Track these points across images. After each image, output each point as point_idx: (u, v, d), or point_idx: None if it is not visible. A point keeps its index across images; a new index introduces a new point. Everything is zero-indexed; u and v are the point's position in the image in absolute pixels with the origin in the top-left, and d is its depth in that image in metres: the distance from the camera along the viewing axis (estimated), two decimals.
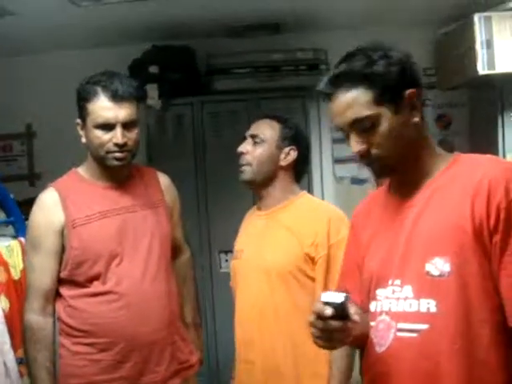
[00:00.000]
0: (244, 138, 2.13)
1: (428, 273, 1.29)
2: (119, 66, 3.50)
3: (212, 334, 3.57)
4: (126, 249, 1.99)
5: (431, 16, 3.61)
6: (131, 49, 3.56)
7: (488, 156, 1.38)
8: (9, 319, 2.16)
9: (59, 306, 2.00)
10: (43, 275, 1.96)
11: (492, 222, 1.24)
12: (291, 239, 1.99)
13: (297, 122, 2.78)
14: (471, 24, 3.20)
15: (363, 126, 1.33)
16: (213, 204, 3.59)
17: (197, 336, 2.29)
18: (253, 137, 2.09)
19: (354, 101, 1.32)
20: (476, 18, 3.18)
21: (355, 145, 1.34)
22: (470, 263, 1.26)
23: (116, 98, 1.92)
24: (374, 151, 1.34)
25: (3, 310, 2.15)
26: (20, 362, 2.21)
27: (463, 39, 3.33)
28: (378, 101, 1.31)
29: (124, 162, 1.99)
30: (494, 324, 1.25)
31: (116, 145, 1.93)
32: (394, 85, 1.32)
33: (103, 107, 1.92)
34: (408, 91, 1.33)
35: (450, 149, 4.06)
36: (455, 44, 3.50)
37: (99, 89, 1.92)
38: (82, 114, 1.96)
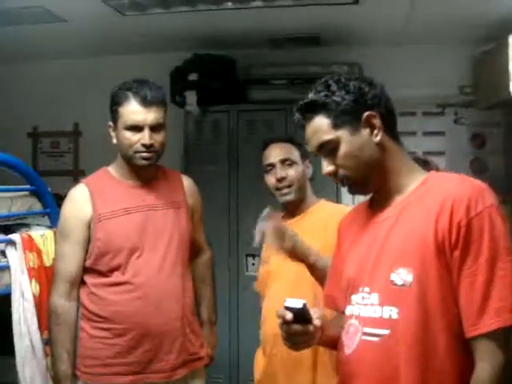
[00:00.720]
0: (269, 167, 2.29)
1: (392, 282, 1.37)
2: (161, 73, 3.69)
3: (235, 334, 3.68)
4: (146, 243, 2.13)
5: (471, 34, 3.65)
6: (174, 56, 3.73)
7: (457, 175, 1.46)
8: (38, 302, 2.32)
9: (83, 292, 2.15)
10: (70, 263, 2.12)
11: (453, 238, 1.32)
12: (316, 243, 2.10)
13: None
14: (506, 45, 3.23)
15: (328, 150, 1.46)
16: (243, 208, 3.71)
17: (211, 333, 2.41)
18: (284, 161, 2.27)
19: (317, 128, 1.46)
20: (510, 39, 3.21)
21: (324, 167, 1.48)
22: (431, 275, 1.34)
23: (145, 102, 2.08)
24: (340, 171, 1.46)
25: (33, 294, 2.32)
26: (46, 342, 2.37)
27: (498, 59, 3.36)
28: (336, 125, 1.44)
29: (150, 161, 2.14)
30: (451, 334, 1.32)
31: (143, 145, 2.09)
32: (348, 110, 1.44)
33: (133, 111, 2.08)
34: (365, 114, 1.44)
35: (484, 168, 4.05)
36: (491, 64, 3.53)
37: (130, 94, 2.09)
38: (114, 116, 2.12)
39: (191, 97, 3.59)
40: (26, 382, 2.29)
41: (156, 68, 3.78)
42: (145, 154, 2.11)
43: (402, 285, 1.36)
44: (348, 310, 1.49)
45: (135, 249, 2.12)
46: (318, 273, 1.92)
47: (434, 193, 1.40)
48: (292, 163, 2.28)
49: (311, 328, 1.38)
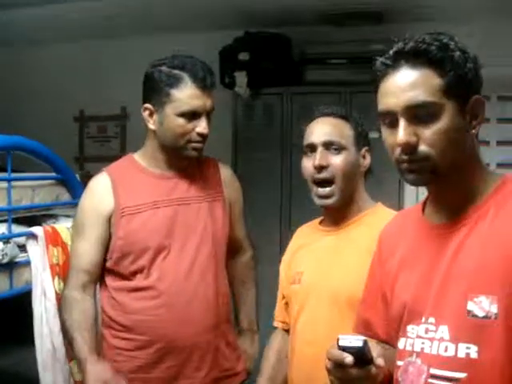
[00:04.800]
0: (308, 149, 1.75)
1: (470, 313, 1.08)
2: (210, 52, 3.45)
3: None
4: (174, 242, 1.88)
5: None
6: (223, 35, 3.47)
7: None
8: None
9: (103, 296, 1.92)
10: (85, 261, 1.87)
11: None
12: (367, 261, 1.50)
13: None
14: None
15: (420, 115, 1.11)
16: (296, 200, 3.43)
17: (251, 343, 2.14)
18: (327, 145, 1.70)
19: (421, 82, 1.10)
20: None
21: (404, 133, 1.11)
22: None
23: (205, 86, 1.84)
24: (422, 148, 1.11)
25: (57, 292, 2.12)
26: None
27: None
28: (447, 91, 1.10)
29: (200, 152, 1.92)
30: None
31: (200, 135, 1.85)
32: (466, 81, 1.12)
33: (192, 95, 1.83)
34: (475, 97, 1.13)
35: None
36: None
37: (186, 75, 1.83)
38: (161, 99, 1.85)
39: (241, 78, 3.31)
40: None
41: (205, 47, 3.55)
42: (198, 145, 1.87)
43: (485, 317, 1.06)
44: (402, 343, 1.19)
45: (162, 248, 1.86)
46: None
47: None
48: (340, 149, 1.70)
49: (373, 370, 1.09)
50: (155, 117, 1.88)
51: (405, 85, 1.11)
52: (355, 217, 1.76)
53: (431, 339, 1.12)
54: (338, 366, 1.10)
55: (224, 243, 2.01)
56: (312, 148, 1.73)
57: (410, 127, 1.11)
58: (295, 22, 3.44)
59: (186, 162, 1.94)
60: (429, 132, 1.10)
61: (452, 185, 1.17)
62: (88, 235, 1.86)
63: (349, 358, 1.07)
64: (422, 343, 1.14)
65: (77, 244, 1.90)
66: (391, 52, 1.15)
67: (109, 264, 1.89)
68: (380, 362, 1.10)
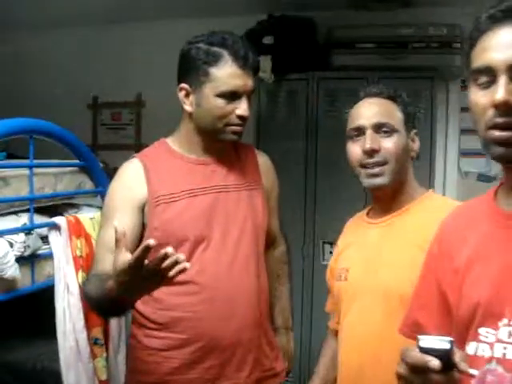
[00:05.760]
0: (355, 132, 1.60)
1: None
2: None
3: (308, 329, 3.29)
4: (214, 233, 1.75)
5: None
6: (246, 19, 3.29)
7: None
8: None
9: None
10: (110, 253, 1.72)
11: None
12: (418, 254, 1.39)
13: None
14: None
15: None
16: (321, 191, 3.30)
17: (287, 341, 2.02)
18: (379, 127, 1.57)
19: None
20: None
21: (505, 91, 1.01)
22: None
23: (246, 65, 1.70)
24: None
25: (80, 287, 2.00)
26: (95, 342, 2.07)
27: None
28: None
29: (239, 136, 1.78)
30: None
31: (240, 117, 1.72)
32: None
33: (233, 74, 1.69)
34: None
35: None
36: None
37: (226, 53, 1.69)
38: (199, 78, 1.71)
39: (266, 62, 3.15)
40: None
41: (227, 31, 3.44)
42: (238, 128, 1.74)
43: None
44: (472, 349, 1.07)
45: (201, 239, 1.73)
46: None
47: None
48: (391, 131, 1.57)
49: (457, 376, 0.97)
50: (192, 98, 1.74)
51: None
52: (404, 206, 1.61)
53: None
54: (417, 371, 0.97)
55: (263, 235, 1.88)
56: (360, 131, 1.59)
57: (510, 86, 1.01)
58: (320, 5, 3.29)
59: (223, 146, 1.81)
60: None
61: None
62: (117, 223, 1.72)
63: (435, 362, 0.94)
64: (505, 348, 1.02)
65: (104, 232, 1.73)
66: (500, 7, 1.05)
67: None
68: (464, 367, 0.97)
